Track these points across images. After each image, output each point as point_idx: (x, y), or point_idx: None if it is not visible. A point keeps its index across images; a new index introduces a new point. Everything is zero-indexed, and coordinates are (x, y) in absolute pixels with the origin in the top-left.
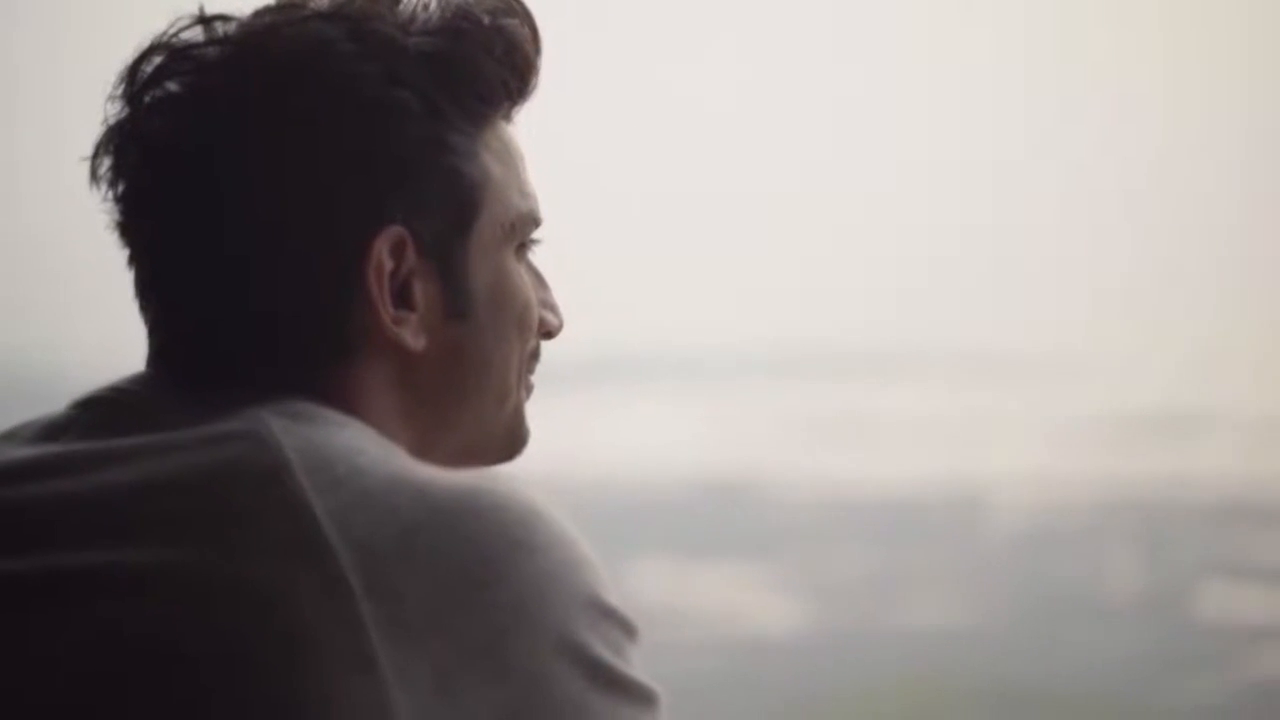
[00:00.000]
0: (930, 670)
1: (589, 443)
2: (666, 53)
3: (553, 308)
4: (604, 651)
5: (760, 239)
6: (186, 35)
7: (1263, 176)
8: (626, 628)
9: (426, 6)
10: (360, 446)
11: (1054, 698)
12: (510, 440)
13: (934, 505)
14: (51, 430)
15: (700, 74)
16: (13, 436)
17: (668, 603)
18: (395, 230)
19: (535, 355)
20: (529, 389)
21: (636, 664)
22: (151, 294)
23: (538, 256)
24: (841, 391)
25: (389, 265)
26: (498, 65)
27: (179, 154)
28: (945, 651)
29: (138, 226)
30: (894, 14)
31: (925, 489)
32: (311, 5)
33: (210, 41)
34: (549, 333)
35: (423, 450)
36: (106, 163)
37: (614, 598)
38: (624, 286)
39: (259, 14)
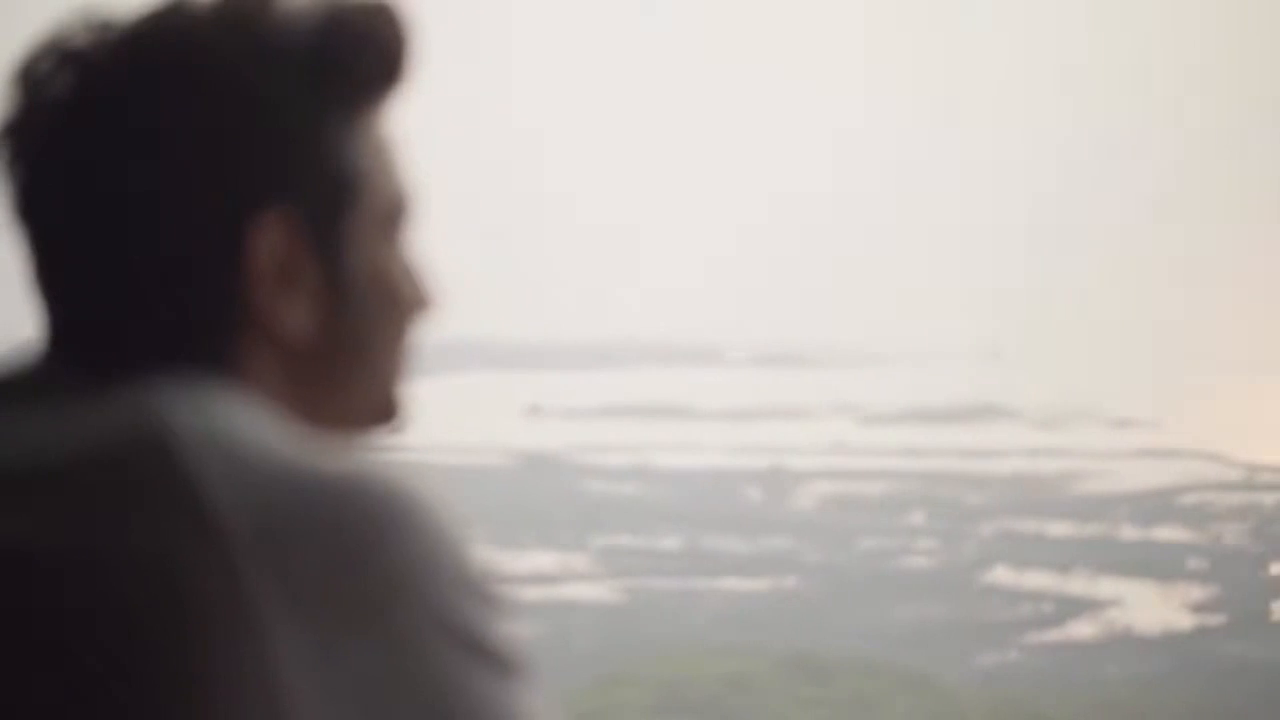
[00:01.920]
0: (735, 634)
1: (420, 423)
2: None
3: (425, 289)
4: (477, 625)
5: (589, 237)
6: (76, 37)
7: (1054, 187)
8: (498, 603)
9: (302, 8)
10: (248, 425)
11: (848, 662)
12: (386, 411)
13: (744, 482)
14: None
15: (520, 82)
16: None
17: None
18: (275, 217)
19: (410, 333)
20: (406, 364)
21: (507, 637)
22: (45, 279)
23: (419, 242)
24: (661, 378)
25: (269, 251)
26: (370, 61)
27: (69, 151)
28: (751, 617)
29: (32, 216)
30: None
31: (736, 467)
32: (193, 7)
33: (97, 44)
34: (421, 312)
35: (305, 420)
36: (2, 156)
37: (486, 575)
38: (450, 275)
39: (144, 18)
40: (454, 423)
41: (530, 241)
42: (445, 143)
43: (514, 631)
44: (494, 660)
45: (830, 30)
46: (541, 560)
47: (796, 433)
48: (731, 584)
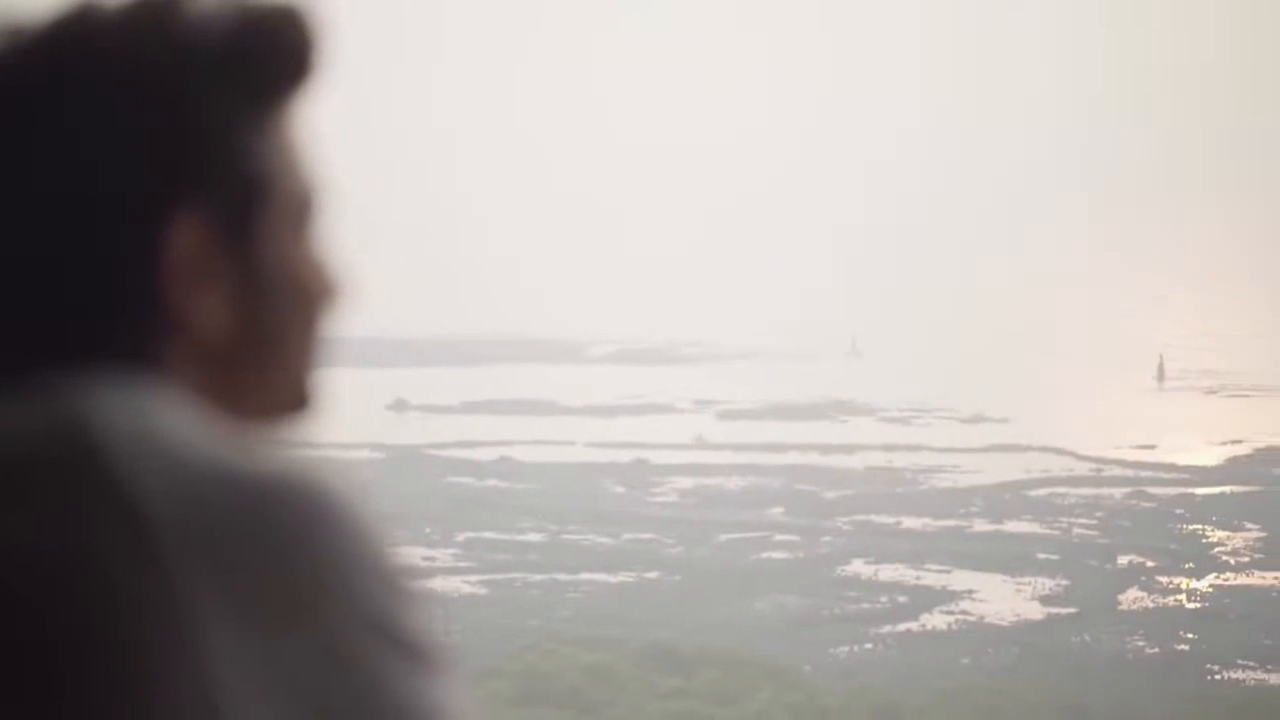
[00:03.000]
0: (597, 627)
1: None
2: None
3: (335, 279)
4: (403, 622)
5: (456, 235)
6: None
7: (910, 188)
8: (418, 600)
9: (211, 10)
10: (176, 423)
11: (709, 654)
12: (299, 402)
13: (606, 477)
14: None
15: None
16: None
17: None
18: (189, 216)
19: (320, 326)
20: (316, 356)
21: (428, 632)
22: None
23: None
24: (525, 374)
25: (185, 249)
26: (280, 61)
27: None
28: (613, 610)
29: None
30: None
31: (598, 462)
32: (102, 10)
33: (6, 48)
34: (330, 304)
35: (220, 413)
36: None
37: (404, 571)
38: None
39: (53, 21)
40: (320, 418)
41: (395, 238)
42: (331, 140)
43: (432, 626)
44: (420, 656)
45: (704, 32)
46: (407, 554)
47: (658, 428)
48: (594, 577)
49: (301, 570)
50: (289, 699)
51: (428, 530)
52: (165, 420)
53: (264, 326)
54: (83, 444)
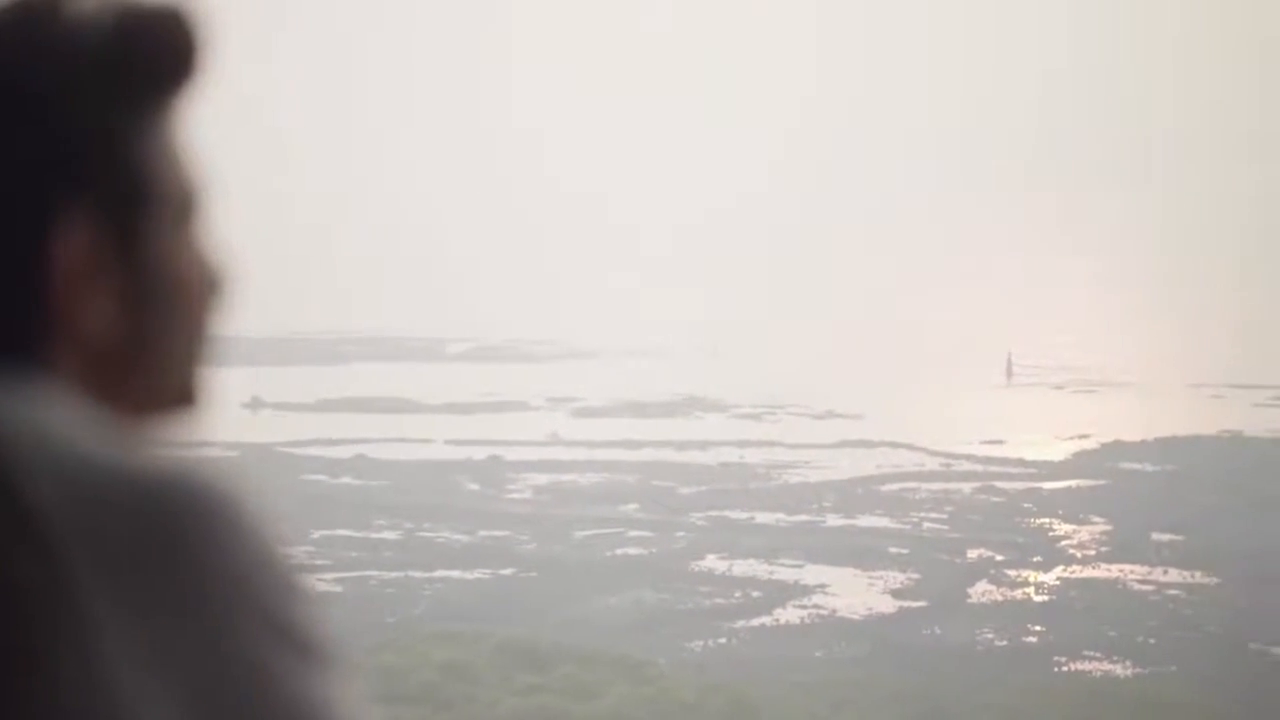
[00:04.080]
0: (453, 623)
1: None
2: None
3: (218, 274)
4: (297, 620)
5: (309, 234)
6: None
7: (764, 187)
8: (310, 599)
9: (93, 11)
10: (68, 423)
11: (565, 649)
12: (185, 398)
13: (461, 474)
14: None
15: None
16: None
17: None
18: (75, 216)
19: (205, 323)
20: (203, 352)
21: (321, 629)
22: None
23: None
24: (381, 371)
25: (71, 249)
26: (163, 61)
27: None
28: (468, 606)
29: None
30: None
31: (453, 459)
32: None
33: None
34: (214, 302)
35: (110, 409)
36: None
37: (295, 568)
38: None
39: None
40: (203, 415)
41: (249, 236)
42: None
43: (323, 622)
44: (313, 652)
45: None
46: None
47: (513, 425)
48: (449, 574)
49: (196, 568)
50: (185, 698)
51: (283, 528)
52: (57, 420)
53: (150, 326)
54: None
